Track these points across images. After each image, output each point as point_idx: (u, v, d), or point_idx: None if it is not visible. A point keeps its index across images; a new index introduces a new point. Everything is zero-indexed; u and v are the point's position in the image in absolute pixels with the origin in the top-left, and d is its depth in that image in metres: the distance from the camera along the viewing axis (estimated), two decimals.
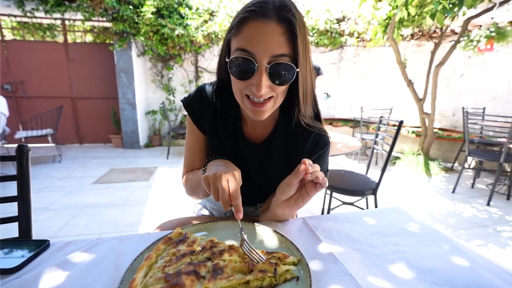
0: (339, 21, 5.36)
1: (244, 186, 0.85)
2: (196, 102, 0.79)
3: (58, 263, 0.53)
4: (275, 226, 0.69)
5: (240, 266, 0.49)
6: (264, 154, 0.79)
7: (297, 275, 0.50)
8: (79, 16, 4.42)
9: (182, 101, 0.82)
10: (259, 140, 0.79)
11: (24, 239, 0.75)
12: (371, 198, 1.93)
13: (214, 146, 0.82)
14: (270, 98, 0.64)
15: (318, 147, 0.75)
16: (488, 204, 2.83)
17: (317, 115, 0.78)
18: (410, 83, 4.03)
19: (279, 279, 0.48)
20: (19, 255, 0.55)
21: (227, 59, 0.63)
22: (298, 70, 0.61)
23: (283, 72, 0.59)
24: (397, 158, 4.39)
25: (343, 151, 1.80)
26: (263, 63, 0.58)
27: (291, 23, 0.57)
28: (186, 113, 0.82)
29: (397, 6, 2.99)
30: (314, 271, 0.52)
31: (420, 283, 0.50)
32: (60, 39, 5.04)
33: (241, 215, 0.59)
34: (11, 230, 0.76)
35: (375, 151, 2.62)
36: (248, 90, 0.62)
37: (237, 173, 0.65)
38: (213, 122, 0.79)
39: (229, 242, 0.60)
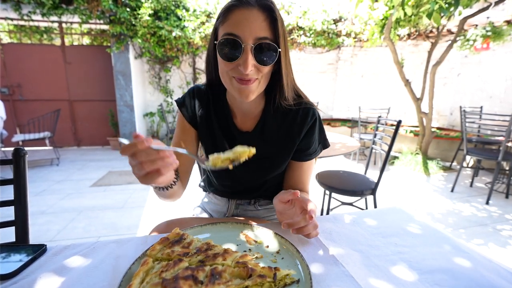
0: (336, 21, 5.38)
1: (242, 179, 0.86)
2: (188, 100, 0.85)
3: (55, 268, 0.52)
4: (276, 228, 0.68)
5: (238, 271, 0.48)
6: (258, 141, 0.81)
7: (297, 279, 0.49)
8: (76, 19, 4.41)
9: (176, 100, 0.87)
10: (251, 129, 0.82)
11: (21, 243, 0.74)
12: (370, 198, 1.92)
13: (206, 139, 0.85)
14: (255, 79, 0.68)
15: (308, 119, 0.79)
16: (487, 203, 2.83)
17: (299, 96, 0.82)
18: (407, 83, 4.04)
19: (279, 284, 0.48)
20: (15, 260, 0.54)
21: (215, 42, 0.68)
22: (280, 50, 0.66)
23: (267, 52, 0.65)
24: (395, 157, 4.40)
25: (342, 152, 1.80)
26: (248, 43, 0.63)
27: (271, 9, 0.65)
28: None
29: (393, 6, 3.01)
30: (314, 274, 0.51)
31: (422, 284, 0.49)
32: (57, 42, 5.02)
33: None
34: (8, 235, 0.75)
35: (373, 151, 2.63)
36: (235, 72, 0.66)
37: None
38: (206, 117, 0.84)
39: (227, 245, 0.60)
